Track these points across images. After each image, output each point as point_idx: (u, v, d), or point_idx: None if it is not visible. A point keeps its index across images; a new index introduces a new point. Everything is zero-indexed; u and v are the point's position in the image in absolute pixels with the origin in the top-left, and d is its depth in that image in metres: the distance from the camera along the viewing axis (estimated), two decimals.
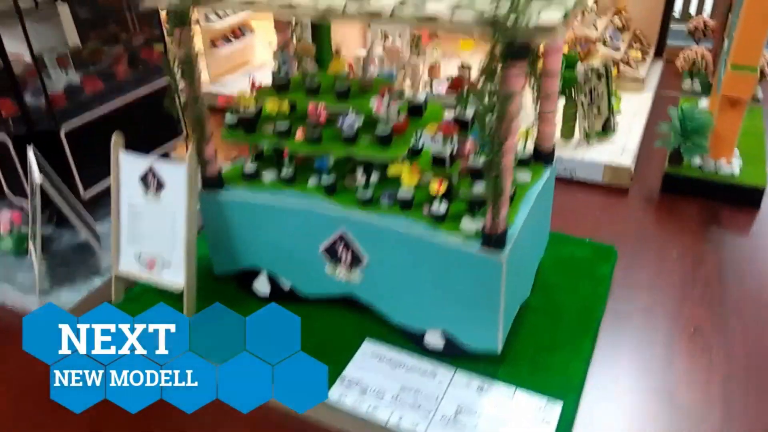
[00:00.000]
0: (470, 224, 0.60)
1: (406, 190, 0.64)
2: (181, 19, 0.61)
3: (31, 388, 0.69)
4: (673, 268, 0.88)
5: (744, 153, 1.07)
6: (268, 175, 0.72)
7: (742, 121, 1.02)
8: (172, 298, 0.74)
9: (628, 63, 1.43)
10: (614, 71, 1.39)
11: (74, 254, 0.88)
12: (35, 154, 0.78)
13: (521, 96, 0.51)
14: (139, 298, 0.79)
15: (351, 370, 0.67)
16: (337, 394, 0.64)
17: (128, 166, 0.73)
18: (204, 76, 1.47)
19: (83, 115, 0.89)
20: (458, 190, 0.65)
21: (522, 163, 0.72)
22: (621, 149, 1.13)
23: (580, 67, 1.10)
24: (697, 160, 1.05)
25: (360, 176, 0.65)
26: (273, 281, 0.76)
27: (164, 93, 1.01)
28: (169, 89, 0.65)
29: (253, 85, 0.72)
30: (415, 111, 0.68)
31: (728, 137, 1.03)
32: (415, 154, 0.66)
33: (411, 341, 0.70)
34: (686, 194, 1.05)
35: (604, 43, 1.40)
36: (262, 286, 0.77)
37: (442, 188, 0.60)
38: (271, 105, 0.67)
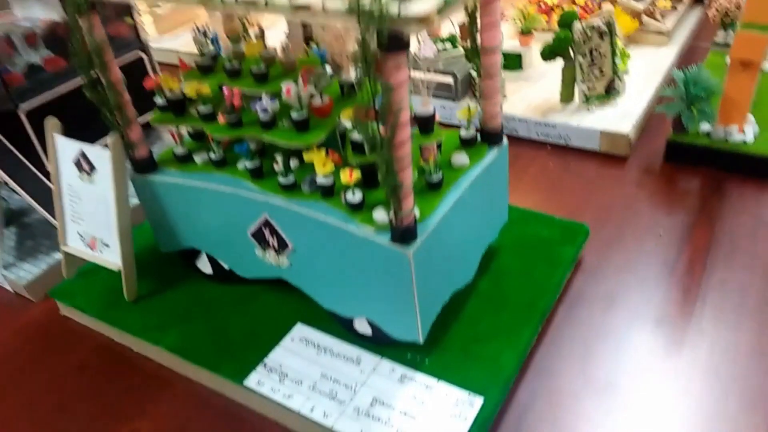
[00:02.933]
0: (382, 215, 0.60)
1: (324, 177, 0.64)
2: (77, 8, 0.62)
3: None
4: (656, 248, 0.84)
5: (762, 120, 0.99)
6: (200, 157, 0.74)
7: (755, 85, 0.95)
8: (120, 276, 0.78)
9: (652, 15, 1.34)
10: (633, 25, 1.31)
11: (42, 227, 0.94)
12: None
13: (405, 88, 0.50)
14: (89, 275, 0.84)
15: (276, 355, 0.69)
16: (255, 380, 0.66)
17: (64, 148, 0.76)
18: (151, 31, 1.55)
19: (44, 95, 0.93)
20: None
21: (465, 143, 0.70)
22: (622, 114, 1.07)
23: (577, 26, 1.05)
24: (705, 127, 0.99)
25: (279, 161, 0.65)
26: (213, 261, 0.79)
27: (132, 68, 1.06)
28: (84, 77, 0.67)
29: (181, 64, 0.73)
30: (346, 91, 0.68)
31: (740, 102, 0.96)
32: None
33: (342, 326, 0.71)
34: (691, 164, 1.00)
35: None
36: (204, 265, 0.80)
37: (354, 176, 0.60)
38: (191, 88, 0.68)
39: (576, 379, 0.67)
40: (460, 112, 0.69)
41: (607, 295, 0.77)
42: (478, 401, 0.62)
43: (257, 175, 0.69)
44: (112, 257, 0.77)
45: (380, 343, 0.68)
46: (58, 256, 0.88)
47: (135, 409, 0.69)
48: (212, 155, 0.72)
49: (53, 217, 0.83)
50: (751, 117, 0.98)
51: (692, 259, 0.82)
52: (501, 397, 0.63)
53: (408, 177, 0.54)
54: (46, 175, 0.88)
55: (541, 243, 0.81)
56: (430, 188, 0.64)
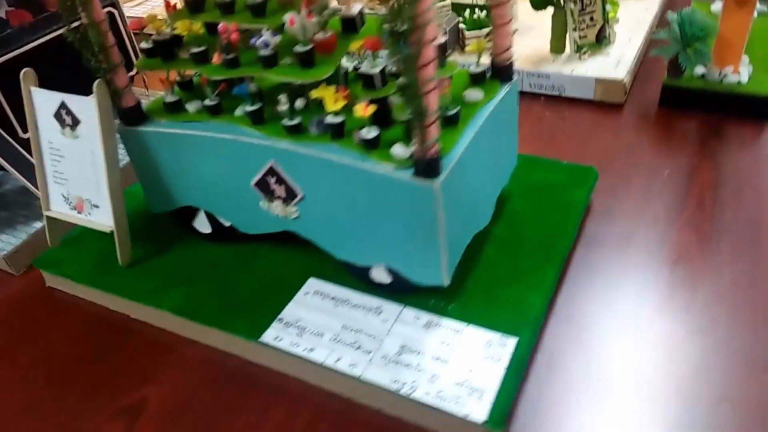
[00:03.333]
0: (402, 150, 0.57)
1: (334, 116, 0.60)
2: None
3: None
4: (663, 189, 0.83)
5: (755, 60, 0.99)
6: (193, 105, 0.69)
7: (750, 25, 0.94)
8: (111, 240, 0.73)
9: None
10: None
11: (17, 197, 0.88)
12: None
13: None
14: (76, 242, 0.78)
15: (291, 310, 0.66)
16: (272, 336, 0.63)
17: (42, 102, 0.70)
18: None
19: (10, 50, 0.86)
20: (397, 114, 0.62)
21: (476, 80, 0.67)
22: (616, 62, 1.06)
23: None
24: (699, 70, 0.99)
25: (283, 102, 0.61)
26: (212, 219, 0.74)
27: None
28: (66, 17, 0.61)
29: (167, 5, 0.68)
30: (349, 26, 0.64)
31: (734, 43, 0.95)
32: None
33: (358, 277, 0.68)
34: (687, 108, 0.99)
35: None
36: (201, 224, 0.76)
37: (369, 111, 0.57)
38: (182, 26, 0.63)
39: (603, 318, 0.66)
40: (470, 46, 0.66)
41: (623, 237, 0.76)
42: (512, 341, 0.59)
43: (258, 119, 0.65)
44: (102, 218, 0.72)
45: (400, 292, 0.65)
46: (39, 225, 0.82)
47: (138, 376, 0.65)
48: (207, 102, 0.67)
49: (31, 182, 0.78)
50: (745, 57, 0.98)
51: (701, 197, 0.81)
52: (533, 337, 0.61)
53: (434, 102, 0.51)
54: (20, 142, 0.82)
55: (551, 187, 0.79)
56: (446, 123, 0.61)
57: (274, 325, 0.64)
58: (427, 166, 0.54)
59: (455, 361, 0.58)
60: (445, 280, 0.61)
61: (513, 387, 0.56)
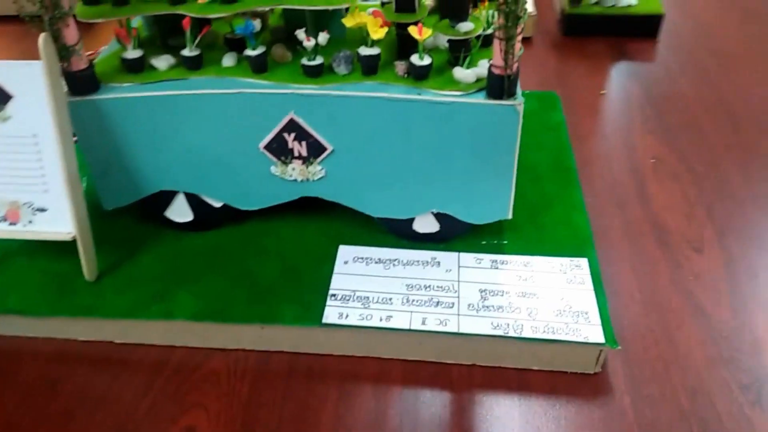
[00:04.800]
0: (467, 72, 0.52)
1: (368, 48, 0.53)
2: None
3: None
4: (608, 106, 0.89)
5: None
6: (162, 61, 0.56)
7: None
8: (53, 255, 0.57)
9: None
10: None
11: None
12: None
13: None
14: (1, 265, 0.60)
15: (339, 283, 0.57)
16: (334, 314, 0.55)
17: None
18: None
19: None
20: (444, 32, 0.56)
21: None
22: None
23: None
24: None
25: (306, 37, 0.52)
26: (194, 202, 0.62)
27: None
28: None
29: None
30: None
31: None
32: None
33: (397, 233, 0.62)
34: (589, 34, 1.06)
35: None
36: (179, 212, 0.63)
37: (425, 33, 0.51)
38: None
39: (630, 217, 0.68)
40: None
41: (604, 150, 0.79)
42: (584, 262, 0.59)
43: (261, 66, 0.55)
44: (54, 225, 0.56)
45: (446, 239, 0.61)
46: None
47: (166, 419, 0.52)
48: (185, 52, 0.55)
49: None
50: None
51: (643, 105, 0.88)
52: (595, 255, 0.61)
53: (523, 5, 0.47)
54: None
55: (529, 115, 0.79)
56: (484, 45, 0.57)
57: (330, 302, 0.55)
58: (509, 86, 0.50)
59: (543, 292, 0.56)
60: (510, 212, 0.58)
61: (605, 305, 0.55)
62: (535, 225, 0.63)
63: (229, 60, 0.56)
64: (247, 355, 0.56)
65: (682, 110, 0.87)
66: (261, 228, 0.63)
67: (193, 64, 0.55)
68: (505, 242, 0.61)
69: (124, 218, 0.64)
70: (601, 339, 0.52)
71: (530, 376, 0.54)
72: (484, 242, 0.61)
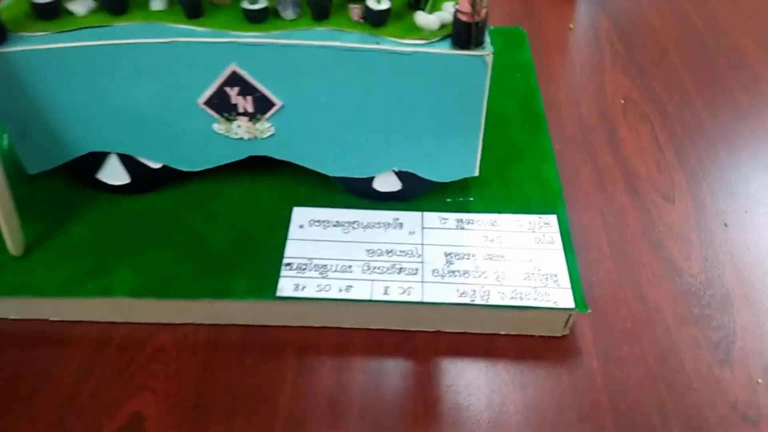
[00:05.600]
0: (429, 18, 0.46)
1: None
2: None
3: None
4: (574, 42, 0.84)
5: None
6: (80, 5, 0.49)
7: None
8: None
9: None
10: None
11: None
12: None
13: None
14: None
15: (293, 250, 0.53)
16: (290, 286, 0.51)
17: None
18: None
19: None
20: None
21: None
22: None
23: None
24: None
25: None
26: (129, 164, 0.56)
27: None
28: None
29: None
30: None
31: None
32: None
33: (355, 192, 0.57)
34: None
35: None
36: (113, 174, 0.57)
37: None
38: None
39: (600, 164, 0.66)
40: None
41: (573, 95, 0.76)
42: (552, 219, 0.56)
43: (195, 10, 0.48)
44: None
45: (408, 198, 0.57)
46: None
47: (110, 401, 0.49)
48: None
49: None
50: None
51: (612, 40, 0.84)
52: (564, 210, 0.58)
53: None
54: None
55: (495, 54, 0.74)
56: None
57: (284, 273, 0.52)
58: (476, 34, 0.45)
59: (510, 254, 0.53)
60: (477, 169, 0.55)
61: (575, 265, 0.53)
62: (502, 179, 0.60)
63: (158, 2, 0.49)
64: (197, 330, 0.53)
65: (652, 44, 0.83)
66: (208, 189, 0.58)
67: (117, 8, 0.48)
68: (471, 199, 0.58)
69: (52, 181, 0.58)
70: (570, 304, 0.50)
71: (497, 340, 0.53)
72: (449, 200, 0.58)
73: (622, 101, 0.75)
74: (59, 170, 0.56)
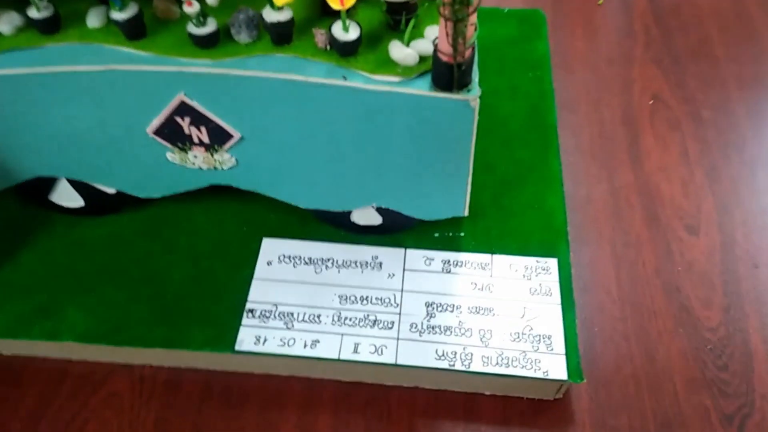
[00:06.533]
0: (406, 52, 0.39)
1: (277, 11, 0.39)
2: None
3: None
4: (603, 23, 0.74)
5: None
6: (5, 24, 0.42)
7: None
8: None
9: None
10: None
11: None
12: None
13: None
14: None
15: (258, 292, 0.48)
16: (250, 337, 0.46)
17: None
18: None
19: None
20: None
21: None
22: None
23: None
24: None
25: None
26: (82, 188, 0.51)
27: None
28: None
29: None
30: None
31: None
32: None
33: (331, 224, 0.52)
34: None
35: None
36: (66, 197, 0.52)
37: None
38: None
39: (616, 183, 0.58)
40: None
41: (594, 92, 0.67)
42: (553, 264, 0.50)
43: (137, 31, 0.41)
44: None
45: (390, 232, 0.51)
46: None
47: None
48: (33, 13, 0.41)
49: None
50: None
51: (647, 22, 0.74)
52: (568, 249, 0.51)
53: None
54: None
55: (506, 44, 0.66)
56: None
57: (246, 321, 0.47)
58: (459, 76, 0.37)
59: (500, 307, 0.47)
60: (466, 210, 0.48)
61: (573, 323, 0.47)
62: (499, 209, 0.53)
63: (95, 18, 0.42)
64: (155, 373, 0.49)
65: (693, 27, 0.72)
66: (170, 214, 0.53)
67: (48, 27, 0.42)
68: (462, 234, 0.51)
69: (4, 201, 0.53)
70: (563, 375, 0.44)
71: (481, 401, 0.48)
72: (436, 234, 0.51)
73: (651, 101, 0.66)
74: (10, 191, 0.51)
